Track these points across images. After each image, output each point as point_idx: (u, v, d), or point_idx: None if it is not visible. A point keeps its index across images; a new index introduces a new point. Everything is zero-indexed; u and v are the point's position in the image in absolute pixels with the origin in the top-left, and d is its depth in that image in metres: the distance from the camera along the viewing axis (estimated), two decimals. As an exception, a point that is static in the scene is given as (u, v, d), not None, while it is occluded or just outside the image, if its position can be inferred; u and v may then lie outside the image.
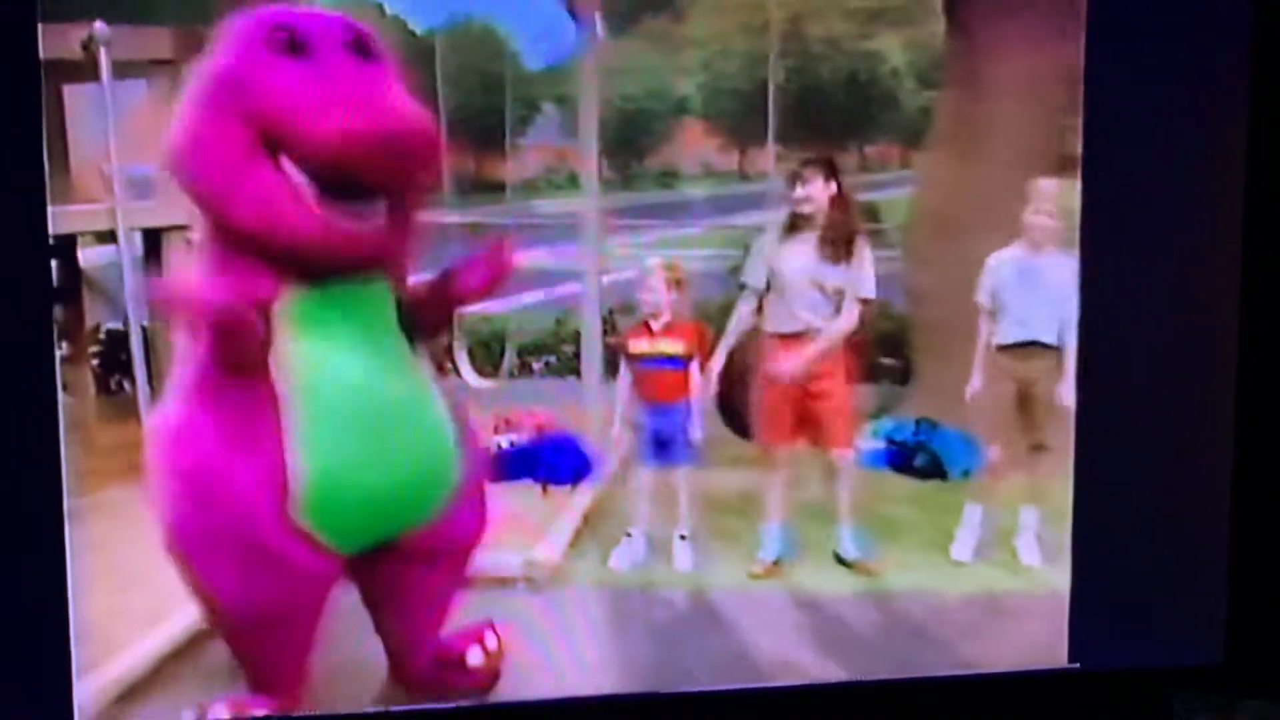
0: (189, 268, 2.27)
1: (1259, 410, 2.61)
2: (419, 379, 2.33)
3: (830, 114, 3.61)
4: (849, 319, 3.03)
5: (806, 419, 3.10)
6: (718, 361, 3.14)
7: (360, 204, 2.13)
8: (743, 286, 3.13)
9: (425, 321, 2.36)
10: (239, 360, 2.12)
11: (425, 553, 2.35)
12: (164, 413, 2.21)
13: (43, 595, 2.30)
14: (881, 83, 3.64)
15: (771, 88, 3.49)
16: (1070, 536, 2.62)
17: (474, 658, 2.48)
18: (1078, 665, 2.62)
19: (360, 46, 2.15)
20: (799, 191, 3.04)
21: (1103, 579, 2.62)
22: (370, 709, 2.45)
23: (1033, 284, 3.04)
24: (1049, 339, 3.05)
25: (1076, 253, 2.83)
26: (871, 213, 3.53)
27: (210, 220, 2.17)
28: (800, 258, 3.03)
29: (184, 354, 2.20)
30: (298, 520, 2.17)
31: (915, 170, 3.64)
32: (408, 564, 2.35)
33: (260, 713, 2.29)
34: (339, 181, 2.08)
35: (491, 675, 2.51)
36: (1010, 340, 3.08)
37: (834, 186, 3.02)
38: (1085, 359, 2.64)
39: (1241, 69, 2.56)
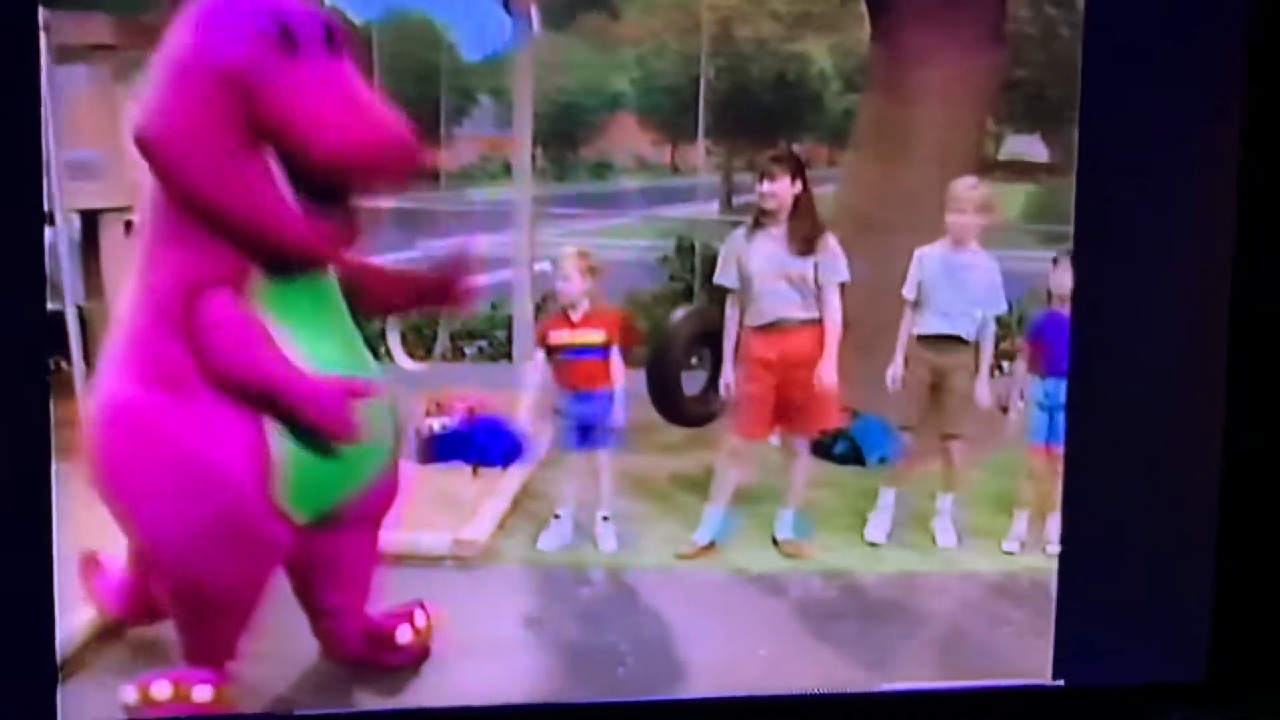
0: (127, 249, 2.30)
1: (1247, 427, 2.58)
2: (368, 357, 2.40)
3: (759, 112, 3.70)
4: (836, 305, 3.08)
5: (789, 407, 3.13)
6: (727, 368, 3.18)
7: (336, 203, 2.19)
8: (719, 289, 3.17)
9: (370, 306, 2.44)
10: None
11: (352, 518, 2.39)
12: (124, 399, 2.21)
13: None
14: (808, 84, 3.74)
15: (703, 85, 3.57)
16: (1057, 554, 2.61)
17: (403, 635, 2.51)
18: (1062, 682, 2.60)
19: (332, 39, 2.17)
20: (765, 187, 3.07)
21: (1088, 596, 2.59)
22: (314, 710, 2.45)
23: (955, 279, 3.13)
24: (966, 334, 3.15)
25: (992, 251, 2.98)
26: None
27: (180, 202, 2.17)
28: (767, 252, 3.07)
29: (148, 341, 2.21)
30: (277, 499, 2.21)
31: (839, 169, 3.75)
32: (337, 531, 2.37)
33: (203, 691, 2.27)
34: (321, 182, 2.14)
35: (421, 652, 2.54)
36: (930, 331, 3.16)
37: (799, 185, 3.05)
38: (1076, 373, 2.58)
39: (1237, 69, 2.52)
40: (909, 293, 3.18)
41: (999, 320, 3.38)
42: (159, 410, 2.18)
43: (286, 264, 2.22)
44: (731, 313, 3.17)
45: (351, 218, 2.24)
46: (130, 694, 2.26)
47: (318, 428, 2.17)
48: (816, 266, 3.06)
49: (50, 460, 2.13)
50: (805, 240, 3.05)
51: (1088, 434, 2.56)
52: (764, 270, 3.08)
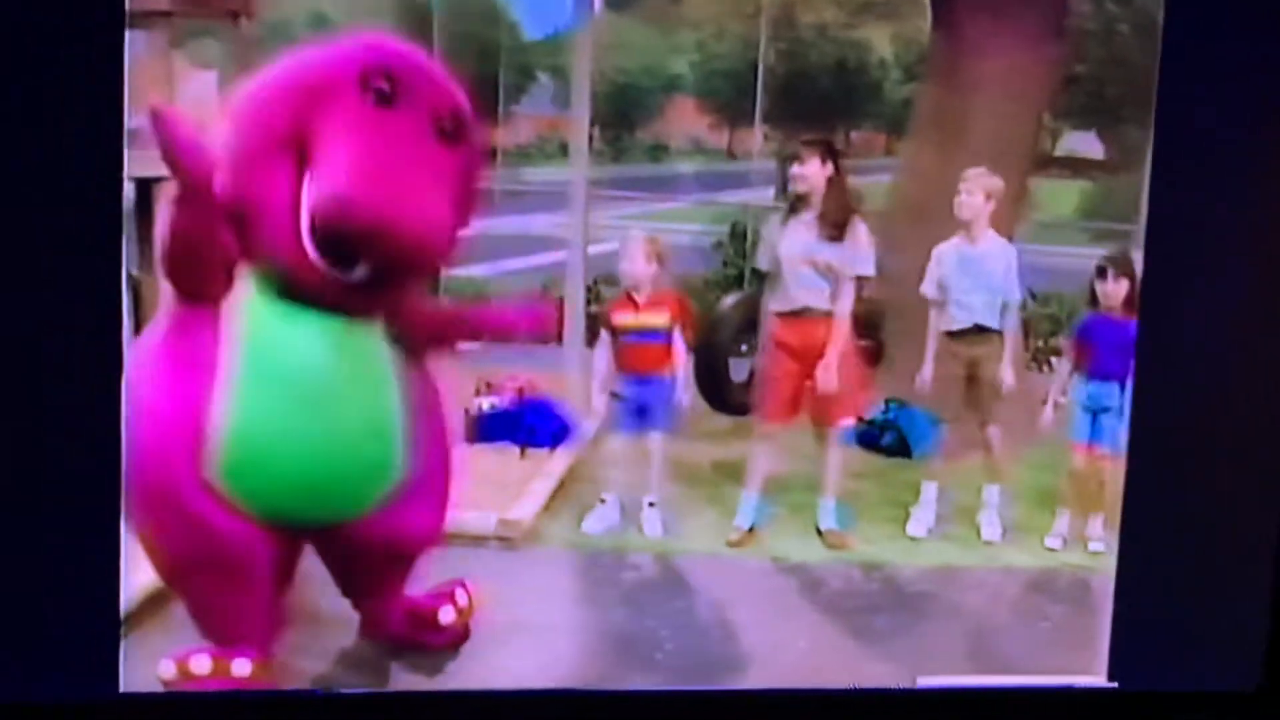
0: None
1: None
2: (376, 370, 2.31)
3: (817, 99, 3.71)
4: (849, 298, 3.09)
5: (810, 395, 3.14)
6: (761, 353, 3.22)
7: (348, 266, 2.13)
8: (756, 272, 3.22)
9: (420, 339, 2.39)
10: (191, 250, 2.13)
11: (373, 545, 2.36)
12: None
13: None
14: (868, 72, 3.75)
15: (761, 70, 3.58)
16: (1116, 557, 2.54)
17: (446, 616, 2.52)
18: (1115, 685, 2.58)
19: (448, 133, 2.14)
20: (795, 170, 3.09)
21: (1144, 600, 2.55)
22: (350, 689, 2.45)
23: (972, 270, 3.15)
24: (990, 322, 3.16)
25: (1010, 238, 2.98)
26: (855, 198, 3.65)
27: (204, 182, 2.12)
28: (797, 237, 3.09)
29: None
30: (211, 478, 2.17)
31: (897, 158, 3.75)
32: (356, 552, 2.37)
33: (242, 665, 2.28)
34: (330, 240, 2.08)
35: (463, 631, 2.55)
36: (956, 326, 3.18)
37: (830, 168, 3.07)
38: (1141, 377, 2.52)
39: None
40: (930, 291, 3.19)
41: (1051, 316, 3.39)
42: (135, 367, 2.15)
43: (286, 282, 2.17)
44: (768, 297, 3.18)
45: (374, 282, 2.16)
46: (168, 669, 2.26)
47: None
48: (844, 256, 3.07)
49: (119, 432, 2.11)
50: (833, 225, 3.07)
51: (1149, 437, 2.52)
52: (792, 255, 3.09)
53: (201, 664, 2.27)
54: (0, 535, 2.10)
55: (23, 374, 2.03)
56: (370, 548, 2.36)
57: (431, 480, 2.39)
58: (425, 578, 2.53)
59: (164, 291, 2.22)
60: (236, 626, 2.29)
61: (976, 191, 3.11)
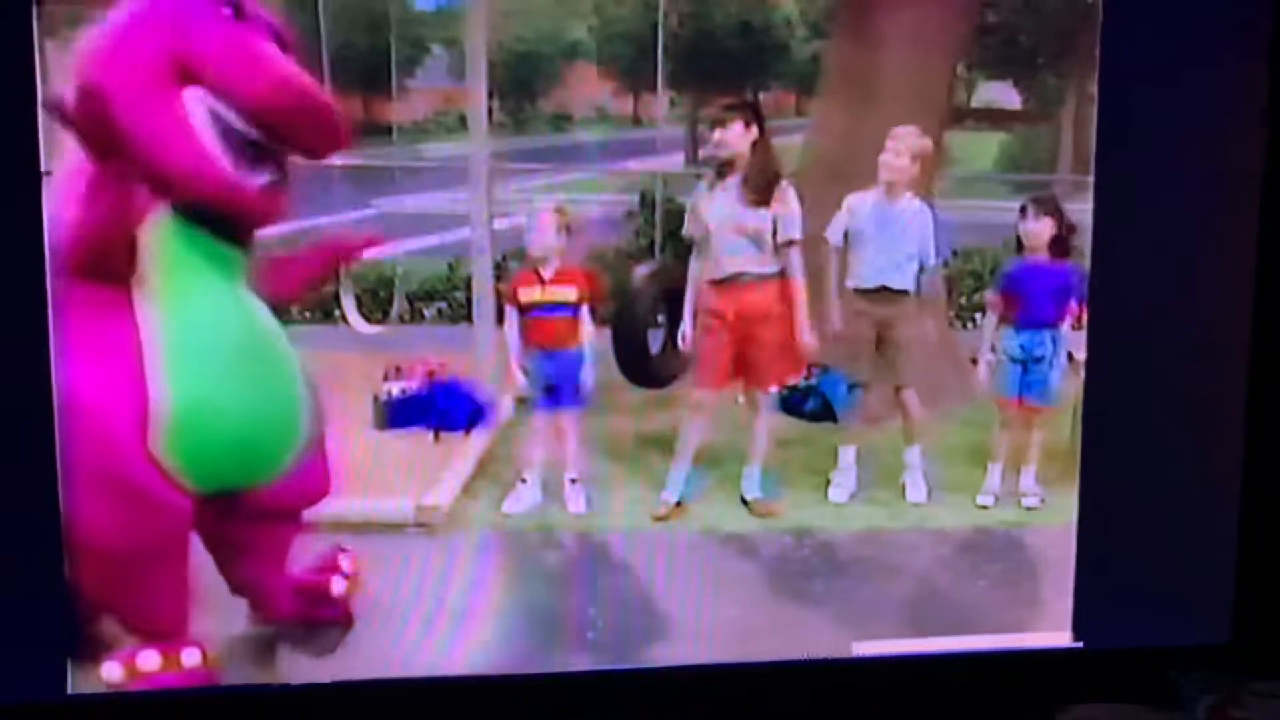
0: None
1: (1273, 382, 2.63)
2: (271, 332, 2.48)
3: (722, 60, 3.79)
4: (799, 264, 3.22)
5: (746, 361, 3.27)
6: (687, 320, 3.30)
7: (259, 163, 2.31)
8: (674, 237, 3.31)
9: (280, 283, 2.55)
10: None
11: (271, 508, 2.49)
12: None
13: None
14: (774, 30, 3.83)
15: (663, 32, 3.64)
16: (1076, 514, 2.66)
17: (337, 587, 2.65)
18: (1081, 644, 2.69)
19: (279, 38, 2.33)
20: (716, 136, 3.19)
21: (1107, 556, 2.66)
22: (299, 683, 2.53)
23: (888, 231, 3.26)
24: (900, 284, 3.28)
25: (929, 195, 3.10)
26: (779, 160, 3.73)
27: (100, 137, 2.21)
28: (722, 203, 3.20)
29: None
30: (155, 452, 2.27)
31: (808, 118, 3.84)
32: (254, 517, 2.47)
33: (191, 655, 2.37)
34: (247, 132, 2.26)
35: (352, 600, 2.68)
36: (865, 285, 3.29)
37: (755, 131, 3.17)
38: (1094, 326, 2.64)
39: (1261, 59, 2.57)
40: (834, 238, 3.28)
41: (974, 272, 3.51)
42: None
43: (194, 213, 2.31)
44: (694, 265, 3.28)
45: (279, 183, 2.36)
46: (114, 671, 2.33)
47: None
48: (775, 220, 3.18)
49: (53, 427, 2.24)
50: (758, 190, 3.18)
51: (1105, 389, 2.64)
52: (720, 223, 3.20)
53: (150, 660, 2.34)
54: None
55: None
56: (278, 509, 2.50)
57: (321, 437, 2.56)
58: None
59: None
60: (174, 615, 2.38)
61: (904, 153, 3.21)
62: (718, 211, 3.21)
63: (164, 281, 2.30)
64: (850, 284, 3.30)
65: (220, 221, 2.35)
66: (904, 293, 3.29)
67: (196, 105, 2.24)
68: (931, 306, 3.35)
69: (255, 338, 2.43)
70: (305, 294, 2.77)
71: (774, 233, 3.20)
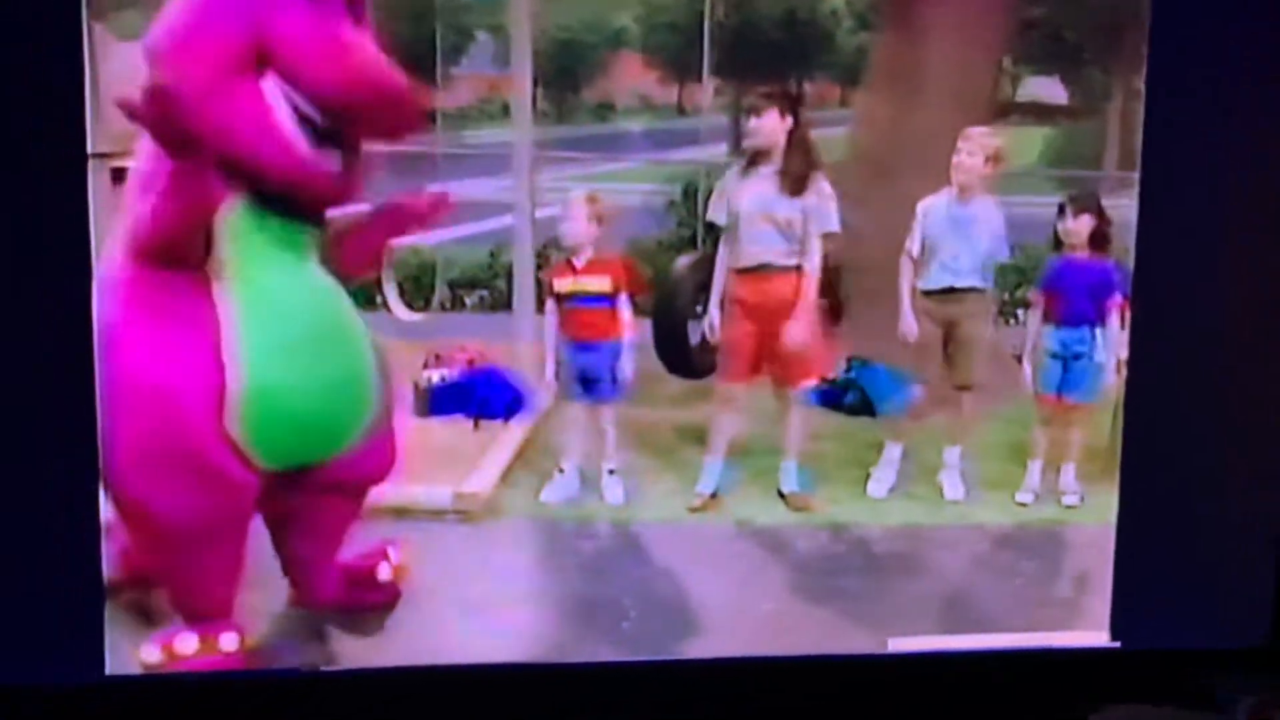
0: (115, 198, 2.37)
1: None
2: (344, 310, 2.52)
3: (768, 50, 3.79)
4: (818, 254, 3.20)
5: (769, 354, 3.27)
6: (713, 310, 3.30)
7: (334, 146, 2.33)
8: (710, 226, 3.30)
9: (350, 257, 2.57)
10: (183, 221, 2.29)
11: (336, 483, 2.53)
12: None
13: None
14: (820, 21, 3.83)
15: (708, 22, 3.65)
16: (1115, 515, 2.63)
17: (384, 572, 2.69)
18: (1119, 644, 2.67)
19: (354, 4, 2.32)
20: (752, 123, 3.18)
21: (1146, 556, 2.63)
22: (332, 669, 2.56)
23: (962, 233, 3.25)
24: (968, 283, 3.28)
25: (1000, 199, 3.09)
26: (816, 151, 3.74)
27: (175, 134, 2.24)
28: (755, 192, 3.19)
29: (123, 259, 2.33)
30: (230, 431, 2.32)
31: (852, 110, 3.84)
32: (319, 492, 2.51)
33: (230, 639, 2.41)
34: (325, 119, 2.29)
35: (396, 591, 2.72)
36: (936, 286, 3.29)
37: (790, 120, 3.16)
38: (1137, 323, 2.61)
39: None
40: (913, 247, 3.28)
41: (1017, 268, 3.51)
42: (119, 332, 2.28)
43: (271, 197, 2.35)
44: (723, 252, 3.29)
45: (354, 166, 2.39)
46: (152, 653, 2.37)
47: None
48: (807, 211, 3.18)
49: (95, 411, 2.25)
50: (795, 180, 3.17)
51: (1147, 387, 2.61)
52: (750, 211, 3.20)
53: (188, 642, 2.38)
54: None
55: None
56: (343, 484, 2.55)
57: (389, 412, 2.60)
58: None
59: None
60: (223, 598, 2.43)
61: (978, 153, 3.20)
62: (748, 199, 3.20)
63: (240, 264, 2.35)
64: (920, 285, 3.31)
65: (294, 203, 2.39)
66: (971, 291, 3.29)
67: (274, 93, 2.27)
68: (993, 304, 3.35)
69: (328, 315, 2.48)
70: (374, 266, 2.78)
71: (804, 224, 3.19)
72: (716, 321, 3.31)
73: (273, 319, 2.37)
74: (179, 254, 2.31)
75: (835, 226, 3.21)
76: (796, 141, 3.18)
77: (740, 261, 3.24)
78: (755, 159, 3.21)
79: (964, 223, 3.25)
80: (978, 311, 3.30)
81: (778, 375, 3.29)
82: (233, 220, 2.33)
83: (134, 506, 2.33)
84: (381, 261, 2.74)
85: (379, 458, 2.61)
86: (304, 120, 2.29)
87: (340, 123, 2.32)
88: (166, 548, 2.38)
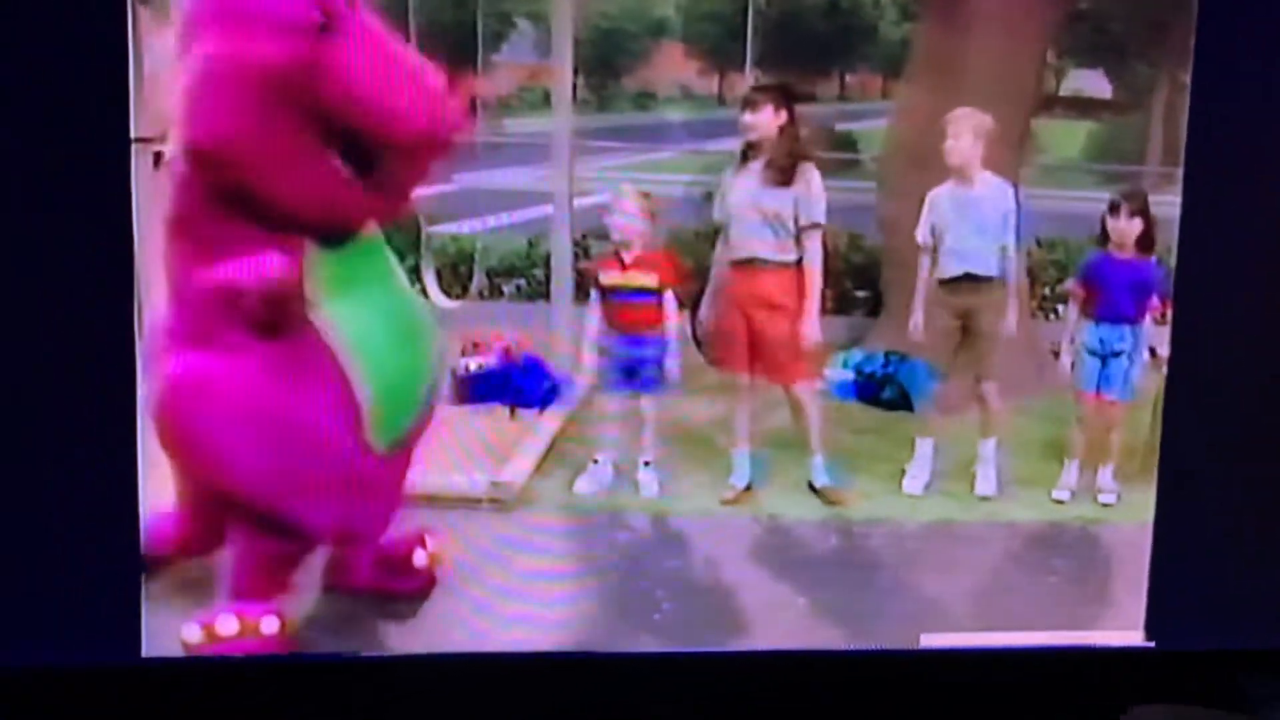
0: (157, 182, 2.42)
1: None
2: (413, 299, 2.71)
3: (810, 41, 3.78)
4: (816, 252, 3.22)
5: (757, 350, 3.30)
6: (704, 304, 3.33)
7: (384, 173, 2.40)
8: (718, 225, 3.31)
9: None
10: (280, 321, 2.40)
11: (409, 443, 2.67)
12: (190, 367, 2.41)
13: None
14: (863, 11, 3.82)
15: (751, 12, 3.65)
16: (1152, 513, 2.67)
17: (419, 558, 2.75)
18: (1153, 644, 2.69)
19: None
20: (746, 118, 3.20)
21: (1183, 555, 2.65)
22: (371, 654, 2.62)
23: (965, 215, 3.26)
24: (984, 270, 3.28)
25: (1005, 179, 3.11)
26: (848, 143, 3.75)
27: (227, 200, 2.35)
28: (746, 185, 3.22)
29: (203, 321, 2.42)
30: (367, 438, 2.50)
31: (892, 102, 3.83)
32: (397, 455, 2.64)
33: (270, 624, 2.48)
34: (373, 157, 2.36)
35: (431, 579, 2.78)
36: (948, 274, 3.29)
37: (784, 115, 3.18)
38: (1178, 321, 2.64)
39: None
40: (922, 237, 3.29)
41: (1057, 263, 3.49)
42: (235, 376, 2.41)
43: (340, 235, 2.45)
44: (720, 250, 3.31)
45: (401, 186, 2.48)
46: (193, 632, 2.44)
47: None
48: (796, 202, 3.19)
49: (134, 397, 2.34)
50: (780, 171, 3.19)
51: (1187, 386, 2.64)
52: (741, 204, 3.23)
53: (229, 624, 2.45)
54: (20, 498, 2.23)
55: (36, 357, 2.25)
56: (408, 450, 2.69)
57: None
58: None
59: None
60: (280, 582, 2.54)
61: (963, 134, 3.22)
62: (740, 193, 3.23)
63: (331, 296, 2.46)
64: (935, 276, 3.31)
65: (353, 231, 2.50)
66: (988, 280, 3.29)
67: (326, 162, 2.35)
68: (1015, 292, 3.34)
69: (405, 309, 2.66)
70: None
71: (795, 217, 3.21)
72: (704, 315, 3.33)
73: (372, 330, 2.51)
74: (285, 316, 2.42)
75: (821, 217, 3.21)
76: (787, 135, 3.19)
77: (732, 254, 3.27)
78: (747, 154, 3.24)
79: (967, 205, 3.26)
80: (994, 302, 3.29)
81: (766, 375, 3.32)
82: (313, 265, 2.42)
83: (286, 522, 2.48)
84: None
85: (429, 415, 2.73)
86: (352, 157, 2.35)
87: (384, 159, 2.39)
88: (289, 546, 2.56)
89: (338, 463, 2.47)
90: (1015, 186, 3.28)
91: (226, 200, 2.34)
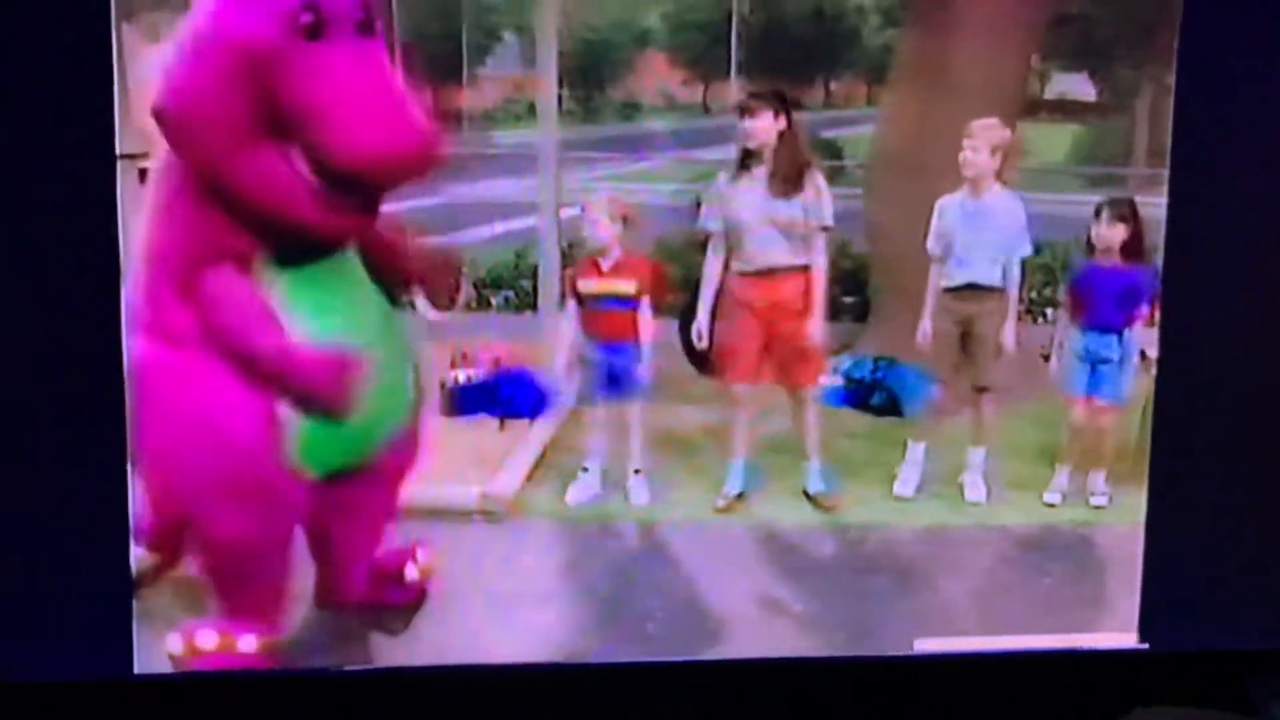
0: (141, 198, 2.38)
1: None
2: (386, 317, 2.55)
3: (794, 49, 3.79)
4: (822, 250, 3.23)
5: (771, 355, 3.28)
6: (703, 315, 3.30)
7: (359, 198, 2.33)
8: (706, 233, 3.30)
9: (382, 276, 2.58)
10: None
11: (370, 475, 2.57)
12: (136, 353, 2.32)
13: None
14: (846, 18, 3.83)
15: (735, 21, 3.66)
16: (1144, 515, 2.63)
17: (411, 572, 2.71)
18: (1147, 646, 2.66)
19: (366, 25, 2.26)
20: (745, 125, 3.18)
21: (1176, 557, 2.63)
22: (356, 667, 2.58)
23: (974, 226, 3.24)
24: (988, 280, 3.28)
25: (1016, 191, 3.10)
26: (834, 150, 3.75)
27: (195, 173, 2.30)
28: (751, 196, 3.20)
29: (155, 301, 2.35)
30: (288, 461, 2.38)
31: (878, 108, 3.84)
32: (353, 485, 2.55)
33: (249, 641, 2.44)
34: (341, 175, 2.26)
35: (422, 592, 2.75)
36: (953, 283, 3.29)
37: (783, 121, 3.16)
38: (1167, 323, 2.62)
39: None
40: (932, 245, 3.28)
41: (1045, 266, 3.50)
42: (169, 369, 2.33)
43: (298, 244, 2.37)
44: (713, 258, 3.29)
45: (372, 204, 2.38)
46: (176, 643, 2.42)
47: (310, 399, 2.34)
48: (806, 208, 3.20)
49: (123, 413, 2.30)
50: (786, 180, 3.18)
51: (1177, 388, 2.61)
52: (750, 215, 3.22)
53: (208, 638, 2.42)
54: (10, 513, 2.22)
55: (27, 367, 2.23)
56: (379, 479, 2.61)
57: (419, 405, 2.66)
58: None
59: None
60: (265, 601, 2.50)
61: (983, 148, 3.21)
62: (747, 204, 3.21)
63: (283, 302, 2.38)
64: (941, 284, 3.31)
65: (316, 246, 2.42)
66: (990, 290, 3.29)
67: (288, 160, 2.27)
68: (1014, 302, 3.34)
69: (371, 329, 2.50)
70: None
71: (805, 221, 3.21)
72: (704, 328, 3.32)
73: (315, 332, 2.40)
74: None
75: (829, 221, 3.22)
76: (788, 141, 3.18)
77: (747, 265, 3.25)
78: (747, 162, 3.22)
79: (977, 217, 3.25)
80: (995, 311, 3.30)
81: (781, 379, 3.31)
82: (263, 266, 2.36)
83: (205, 536, 2.43)
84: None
85: (409, 448, 2.65)
86: (317, 167, 2.27)
87: (361, 184, 2.33)
88: (221, 562, 2.46)
89: (250, 483, 2.37)
90: (1021, 198, 3.27)
91: (199, 184, 2.29)
